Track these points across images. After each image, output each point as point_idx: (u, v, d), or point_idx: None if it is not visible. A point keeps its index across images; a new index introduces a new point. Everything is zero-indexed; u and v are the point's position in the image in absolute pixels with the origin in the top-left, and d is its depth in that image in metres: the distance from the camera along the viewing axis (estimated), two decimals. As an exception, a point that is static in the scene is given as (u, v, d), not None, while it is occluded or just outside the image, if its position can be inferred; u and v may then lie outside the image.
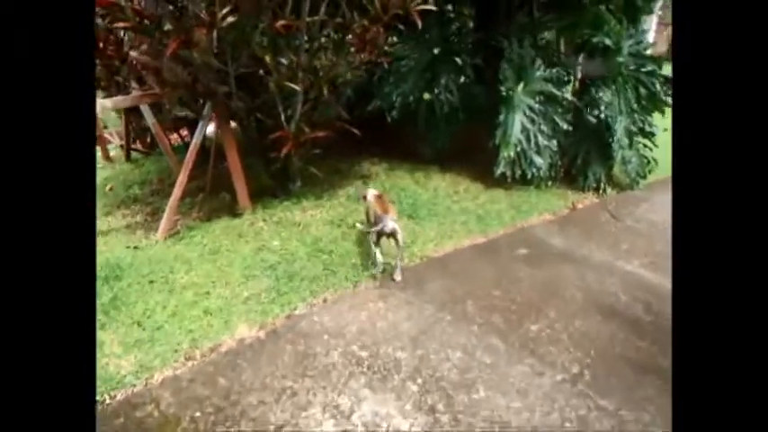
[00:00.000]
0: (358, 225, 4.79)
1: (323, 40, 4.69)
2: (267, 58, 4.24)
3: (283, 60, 4.42)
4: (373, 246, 4.11)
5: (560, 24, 6.73)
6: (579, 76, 6.97)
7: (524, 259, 4.54)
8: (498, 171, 5.71)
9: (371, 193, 4.58)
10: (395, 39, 5.90)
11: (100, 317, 3.53)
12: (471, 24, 8.25)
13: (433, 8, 4.55)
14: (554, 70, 6.01)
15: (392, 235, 4.02)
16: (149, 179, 6.49)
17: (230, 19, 3.79)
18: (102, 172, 7.23)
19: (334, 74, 4.65)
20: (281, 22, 4.02)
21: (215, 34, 3.90)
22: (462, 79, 6.02)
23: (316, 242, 4.51)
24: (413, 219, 5.00)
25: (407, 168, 6.19)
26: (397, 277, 4.08)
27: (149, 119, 5.81)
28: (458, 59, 6.01)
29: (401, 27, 6.58)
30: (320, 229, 4.75)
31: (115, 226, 5.20)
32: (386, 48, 5.69)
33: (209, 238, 4.64)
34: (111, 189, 6.27)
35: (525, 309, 3.78)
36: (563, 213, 5.67)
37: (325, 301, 3.80)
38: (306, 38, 4.45)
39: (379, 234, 4.04)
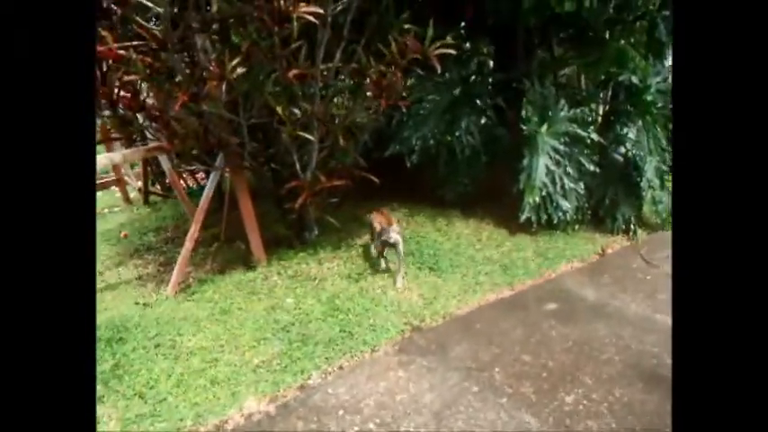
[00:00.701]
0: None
1: (338, 86, 4.47)
2: (280, 109, 4.02)
3: (297, 110, 4.20)
4: (377, 256, 4.77)
5: (582, 61, 6.46)
6: (602, 113, 6.69)
7: (554, 315, 4.19)
8: (523, 217, 5.38)
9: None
10: (412, 80, 5.66)
11: (99, 387, 3.26)
12: (491, 63, 8.06)
13: (453, 52, 4.31)
14: (578, 110, 5.72)
15: (394, 246, 4.48)
16: (165, 226, 6.30)
17: (240, 70, 3.58)
18: (119, 216, 7.08)
19: (351, 121, 4.42)
20: (294, 72, 3.80)
21: (225, 86, 3.69)
22: (483, 121, 5.76)
23: (332, 299, 4.22)
24: (434, 271, 4.69)
25: (428, 214, 5.89)
26: (399, 284, 4.48)
27: (165, 164, 5.64)
28: (478, 101, 5.76)
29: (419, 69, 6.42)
30: (337, 285, 4.46)
31: (126, 278, 4.98)
32: (404, 91, 5.49)
33: (221, 294, 4.38)
34: (125, 236, 6.08)
35: (558, 375, 3.42)
36: (592, 260, 5.31)
37: (341, 368, 3.48)
38: (321, 85, 4.23)
39: (384, 244, 4.53)
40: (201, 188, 6.49)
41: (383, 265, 4.75)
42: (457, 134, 5.64)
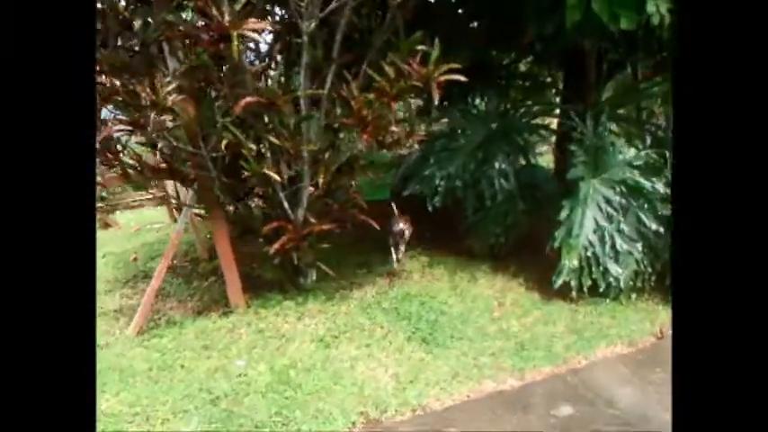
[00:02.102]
0: None
1: (315, 117, 3.73)
2: (244, 142, 3.35)
3: (267, 142, 3.51)
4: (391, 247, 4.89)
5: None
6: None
7: (564, 425, 3.12)
8: (558, 282, 4.30)
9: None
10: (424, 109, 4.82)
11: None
12: (554, 92, 7.00)
13: (461, 78, 3.43)
14: (643, 152, 4.56)
15: (401, 234, 4.78)
16: (182, 251, 5.86)
17: (174, 96, 2.94)
18: (149, 235, 6.81)
19: (333, 160, 3.67)
20: (246, 100, 3.11)
21: (168, 114, 3.08)
22: (522, 161, 4.76)
23: (287, 369, 3.43)
24: (426, 344, 3.76)
25: (450, 266, 4.94)
26: (393, 264, 4.89)
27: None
28: (518, 138, 4.77)
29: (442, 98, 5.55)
30: (302, 349, 3.67)
31: (106, 309, 4.54)
32: (423, 122, 4.68)
33: (176, 344, 3.77)
34: (134, 260, 5.71)
35: None
36: (644, 343, 4.09)
37: (251, 473, 2.70)
38: (293, 115, 3.51)
39: (390, 234, 4.80)
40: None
41: (394, 258, 4.89)
42: (489, 175, 4.68)
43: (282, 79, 3.85)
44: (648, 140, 5.82)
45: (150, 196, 7.63)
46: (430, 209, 4.72)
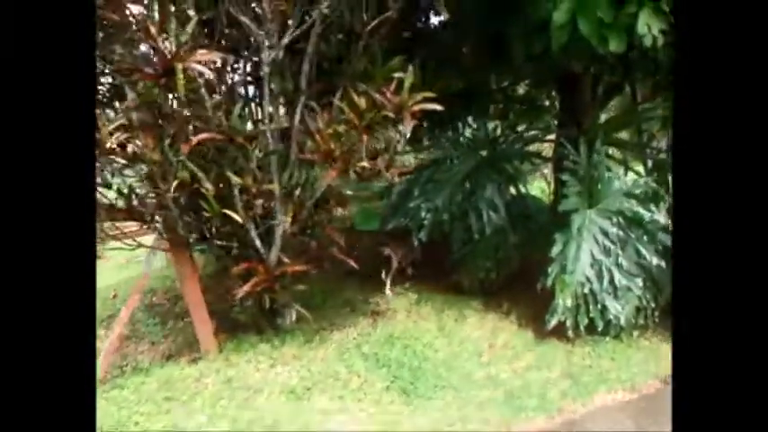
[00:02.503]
0: None
1: (277, 151, 3.47)
2: (202, 181, 3.10)
3: (236, 179, 3.25)
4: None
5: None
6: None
7: (555, 490, 2.78)
8: (552, 323, 3.97)
9: None
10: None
11: None
12: (553, 115, 6.72)
13: (437, 107, 3.16)
14: (641, 180, 4.25)
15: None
16: (160, 288, 5.59)
17: (119, 135, 2.69)
18: (134, 269, 6.54)
19: (307, 195, 3.40)
20: (199, 137, 2.86)
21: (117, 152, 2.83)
22: (513, 190, 4.46)
23: (251, 424, 3.12)
24: (406, 394, 3.43)
25: (438, 304, 4.63)
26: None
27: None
28: (509, 166, 4.48)
29: (426, 123, 5.29)
30: (272, 401, 3.36)
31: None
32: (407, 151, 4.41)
33: (137, 396, 3.46)
34: (114, 297, 5.45)
35: None
36: (648, 389, 3.74)
37: None
38: (257, 150, 3.25)
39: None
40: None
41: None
42: (477, 207, 4.38)
43: (247, 112, 3.60)
44: (649, 165, 5.55)
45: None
46: (416, 243, 4.42)
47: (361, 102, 3.11)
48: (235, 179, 3.17)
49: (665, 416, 3.40)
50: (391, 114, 3.13)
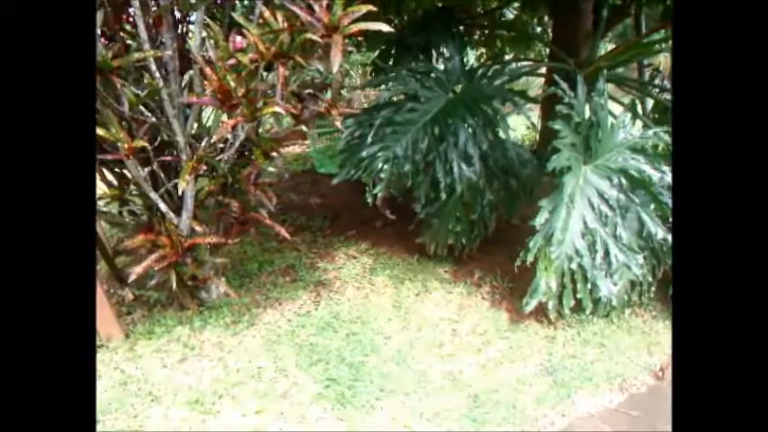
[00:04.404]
0: None
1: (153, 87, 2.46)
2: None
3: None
4: None
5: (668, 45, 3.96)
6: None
7: None
8: (530, 305, 3.15)
9: None
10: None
11: None
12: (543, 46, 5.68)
13: (383, 27, 2.16)
14: (651, 131, 3.31)
15: None
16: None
17: None
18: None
19: (203, 154, 2.44)
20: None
21: None
22: (490, 137, 3.50)
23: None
24: (341, 405, 2.62)
25: (397, 272, 3.77)
26: None
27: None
28: (487, 107, 3.48)
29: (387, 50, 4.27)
30: (169, 415, 2.54)
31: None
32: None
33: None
34: None
35: None
36: (639, 386, 2.99)
37: None
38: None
39: None
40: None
41: None
42: (447, 157, 3.44)
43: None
44: (648, 109, 4.60)
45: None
46: (370, 201, 3.50)
47: (275, 21, 2.09)
48: (99, 131, 2.19)
49: (656, 423, 2.68)
50: (318, 39, 2.12)
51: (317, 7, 2.19)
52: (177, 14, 2.80)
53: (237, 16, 2.21)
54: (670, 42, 4.28)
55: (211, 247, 3.07)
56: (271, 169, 3.18)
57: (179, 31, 2.84)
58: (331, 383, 2.73)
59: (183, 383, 2.73)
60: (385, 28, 2.15)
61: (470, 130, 3.48)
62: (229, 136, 2.71)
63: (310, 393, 2.68)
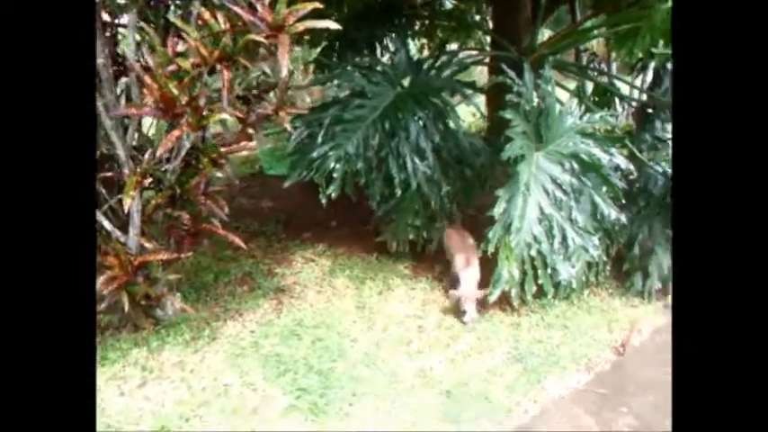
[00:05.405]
0: None
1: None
2: None
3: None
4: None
5: (612, 32, 4.03)
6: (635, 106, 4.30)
7: None
8: (494, 295, 3.15)
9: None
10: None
11: None
12: (484, 36, 5.70)
13: (331, 25, 2.07)
14: (597, 115, 3.36)
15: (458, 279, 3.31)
16: None
17: None
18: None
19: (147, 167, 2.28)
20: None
21: None
22: (441, 128, 3.47)
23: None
24: (314, 414, 2.53)
25: (358, 272, 3.69)
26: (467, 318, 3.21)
27: None
28: (436, 100, 3.45)
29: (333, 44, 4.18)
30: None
31: None
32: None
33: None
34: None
35: None
36: (603, 365, 3.04)
37: None
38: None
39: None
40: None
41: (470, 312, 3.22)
42: (399, 152, 3.38)
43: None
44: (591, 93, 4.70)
45: None
46: (324, 201, 3.39)
47: (215, 23, 1.95)
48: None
49: (623, 405, 2.74)
50: (263, 40, 2.00)
51: (259, 6, 2.06)
52: (106, 17, 2.60)
53: (174, 18, 2.06)
54: (604, 28, 4.38)
55: (163, 263, 2.89)
56: (219, 175, 3.03)
57: (107, 34, 2.65)
58: (302, 393, 2.63)
59: (145, 410, 2.56)
60: (333, 26, 2.06)
61: (421, 123, 3.44)
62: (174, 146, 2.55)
63: (281, 406, 2.57)
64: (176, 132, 2.05)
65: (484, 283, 3.29)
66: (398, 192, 3.35)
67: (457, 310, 3.27)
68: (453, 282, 3.41)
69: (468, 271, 3.34)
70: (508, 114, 3.04)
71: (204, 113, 2.08)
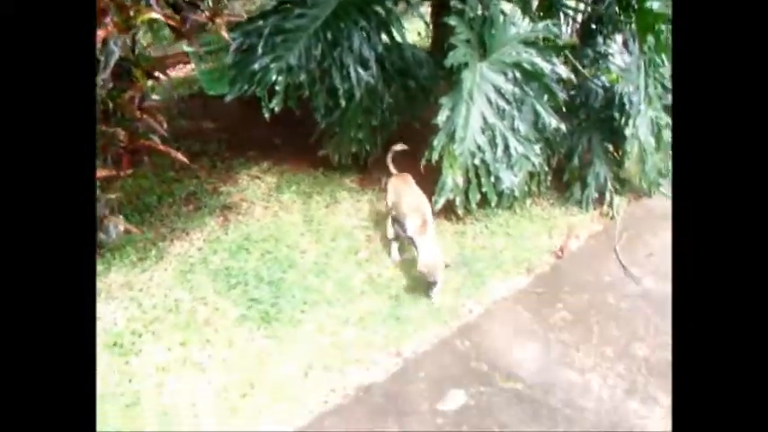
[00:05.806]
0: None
1: None
2: None
3: None
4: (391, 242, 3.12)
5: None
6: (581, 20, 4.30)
7: (455, 424, 2.22)
8: (439, 203, 3.22)
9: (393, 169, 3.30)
10: None
11: None
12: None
13: None
14: (540, 25, 3.35)
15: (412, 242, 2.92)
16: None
17: None
18: None
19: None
20: None
21: None
22: (386, 39, 3.39)
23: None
24: (267, 323, 2.60)
25: (305, 188, 3.67)
26: (435, 297, 2.84)
27: None
28: (378, 7, 3.33)
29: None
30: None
31: None
32: None
33: None
34: None
35: None
36: (543, 267, 3.23)
37: None
38: None
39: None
40: None
41: (394, 254, 3.10)
42: (342, 63, 3.29)
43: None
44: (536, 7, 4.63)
45: None
46: (267, 115, 3.31)
47: None
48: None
49: (560, 301, 2.94)
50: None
51: None
52: None
53: None
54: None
55: (102, 183, 2.78)
56: (155, 97, 2.88)
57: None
58: (253, 304, 2.68)
59: (97, 329, 2.55)
60: None
61: (364, 33, 3.34)
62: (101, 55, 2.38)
63: (233, 317, 2.62)
64: (101, 32, 1.91)
65: (428, 192, 3.32)
66: (342, 103, 3.29)
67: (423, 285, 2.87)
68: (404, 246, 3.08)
69: (425, 237, 2.88)
70: (452, 21, 2.99)
71: (131, 13, 1.94)
